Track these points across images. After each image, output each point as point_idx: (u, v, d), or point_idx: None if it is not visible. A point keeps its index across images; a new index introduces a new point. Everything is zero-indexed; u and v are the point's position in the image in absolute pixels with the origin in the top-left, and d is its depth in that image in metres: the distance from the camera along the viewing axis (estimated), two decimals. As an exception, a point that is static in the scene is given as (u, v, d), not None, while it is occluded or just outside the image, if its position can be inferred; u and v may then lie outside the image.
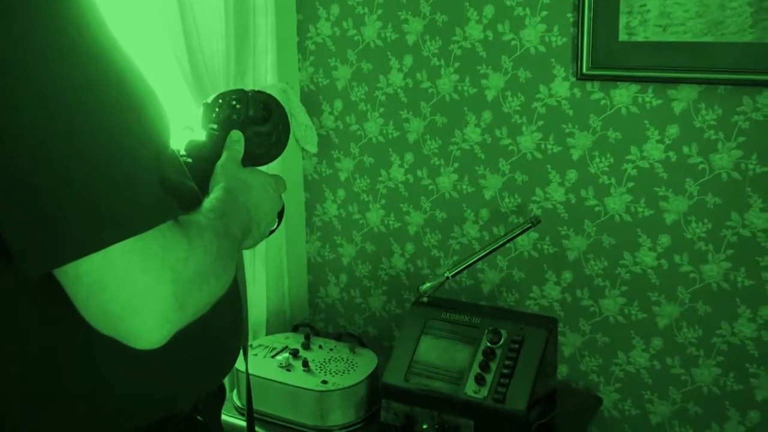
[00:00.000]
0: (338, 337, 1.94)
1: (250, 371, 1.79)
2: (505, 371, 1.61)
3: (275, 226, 1.16)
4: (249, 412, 1.29)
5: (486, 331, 1.67)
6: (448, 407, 1.62)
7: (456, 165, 1.95)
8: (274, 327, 2.13)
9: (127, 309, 0.75)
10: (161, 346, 0.80)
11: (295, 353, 1.85)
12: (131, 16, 2.00)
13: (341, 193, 2.14)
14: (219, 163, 1.06)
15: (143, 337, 0.77)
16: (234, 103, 1.16)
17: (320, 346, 1.90)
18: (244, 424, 1.81)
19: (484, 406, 1.59)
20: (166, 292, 0.76)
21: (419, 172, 2.01)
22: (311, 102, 2.12)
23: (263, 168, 1.17)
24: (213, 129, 1.14)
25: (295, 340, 1.93)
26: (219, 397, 1.18)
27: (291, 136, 2.06)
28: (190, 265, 0.80)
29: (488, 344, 1.66)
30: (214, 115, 1.15)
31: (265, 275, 2.10)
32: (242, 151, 1.10)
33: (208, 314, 0.88)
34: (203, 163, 1.09)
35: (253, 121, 1.15)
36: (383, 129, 2.03)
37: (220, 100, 1.16)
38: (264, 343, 1.94)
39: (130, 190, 0.77)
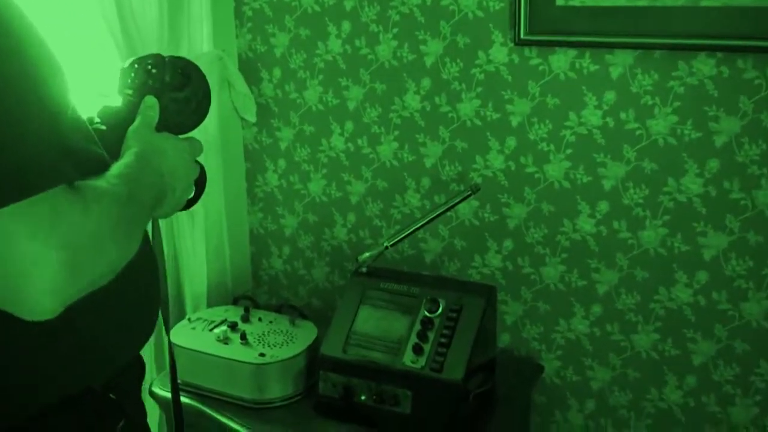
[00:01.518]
0: (279, 309, 1.91)
1: (187, 345, 1.77)
2: (442, 341, 1.60)
3: (192, 194, 1.13)
4: (173, 386, 1.26)
5: (424, 300, 1.66)
6: (386, 378, 1.61)
7: (396, 133, 1.92)
8: (215, 300, 2.10)
9: (14, 278, 0.72)
10: (63, 318, 0.77)
11: (233, 326, 1.82)
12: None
13: (282, 163, 2.10)
14: (131, 128, 1.03)
15: (33, 307, 0.74)
16: (149, 67, 1.12)
17: (260, 319, 1.87)
18: (183, 399, 1.78)
19: (421, 376, 1.58)
20: (55, 260, 0.73)
21: (360, 141, 1.98)
22: (250, 70, 2.07)
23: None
24: (128, 94, 1.10)
25: (234, 313, 1.90)
26: (137, 373, 1.15)
27: (226, 104, 2.02)
28: (83, 232, 0.76)
29: (426, 314, 1.64)
30: (129, 80, 1.11)
31: (205, 247, 2.06)
32: (156, 116, 1.07)
33: (116, 284, 0.85)
34: (118, 129, 1.05)
35: (171, 87, 1.11)
36: (323, 97, 1.99)
37: (136, 65, 1.12)
38: (203, 316, 1.90)
39: (16, 153, 0.73)
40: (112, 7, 1.88)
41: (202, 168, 1.16)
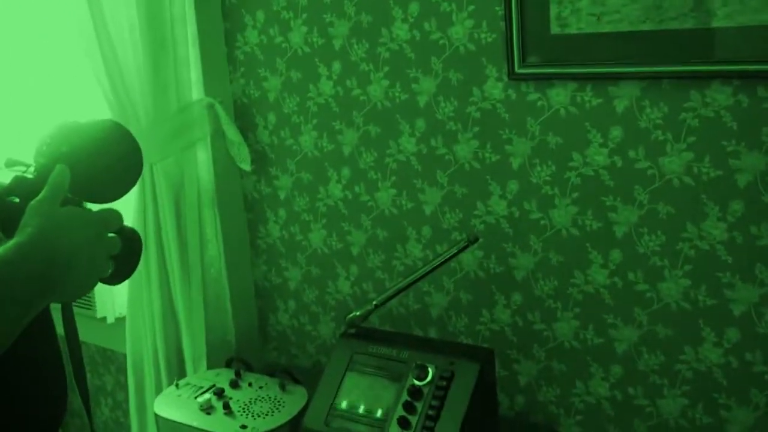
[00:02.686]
0: (271, 373, 1.78)
1: (168, 415, 1.66)
2: (430, 413, 1.43)
3: (110, 270, 1.00)
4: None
5: (413, 366, 1.49)
6: (369, 455, 1.45)
7: (393, 179, 1.78)
8: (217, 360, 1.97)
9: None
10: None
11: (220, 393, 1.70)
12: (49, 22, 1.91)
13: (282, 213, 1.98)
14: (33, 201, 0.92)
15: None
16: (65, 133, 1.02)
17: (250, 384, 1.74)
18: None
19: (406, 454, 1.41)
20: None
21: (357, 188, 1.83)
22: (246, 116, 1.96)
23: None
24: (41, 163, 1.00)
25: (225, 377, 1.78)
26: None
27: (221, 154, 1.90)
28: None
29: (415, 382, 1.48)
30: (44, 147, 1.01)
31: (203, 304, 1.94)
32: (65, 186, 0.96)
33: None
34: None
35: (87, 154, 1.01)
36: (318, 142, 1.86)
37: (53, 131, 1.02)
38: (192, 381, 1.79)
39: None
40: (98, 58, 1.82)
41: (129, 239, 1.04)
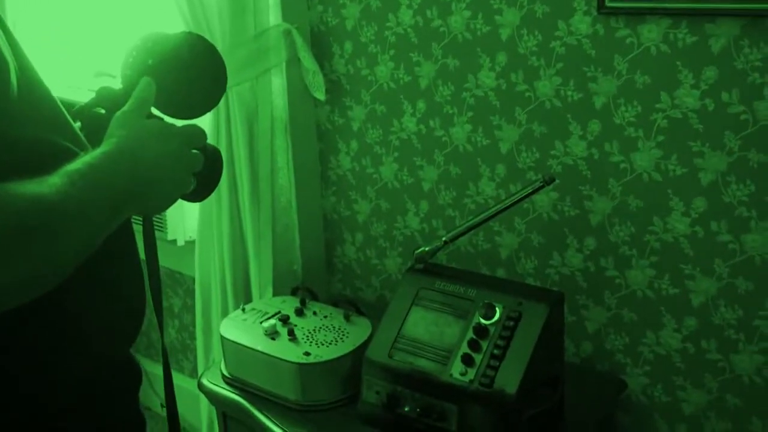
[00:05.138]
0: (336, 304, 1.78)
1: (233, 337, 1.68)
2: (495, 352, 1.41)
3: (192, 187, 0.99)
4: (167, 392, 1.15)
5: (480, 305, 1.47)
6: (431, 389, 1.44)
7: (470, 114, 1.73)
8: (283, 288, 1.98)
9: None
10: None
11: (285, 319, 1.70)
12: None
13: (354, 144, 1.96)
14: (118, 113, 0.92)
15: None
16: (151, 45, 1.01)
17: (315, 313, 1.74)
18: (229, 394, 1.69)
19: (468, 391, 1.39)
20: None
21: (432, 122, 1.80)
22: (322, 44, 1.93)
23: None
24: (127, 75, 1.00)
25: (290, 305, 1.78)
26: (126, 379, 1.06)
27: (296, 82, 1.88)
28: None
29: (481, 320, 1.45)
30: (131, 59, 1.00)
31: (271, 232, 1.95)
32: (151, 99, 0.95)
33: (67, 290, 0.79)
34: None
35: (173, 67, 0.99)
36: (394, 73, 1.82)
37: (138, 43, 1.01)
38: (258, 306, 1.80)
39: None
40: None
41: (212, 156, 1.03)
